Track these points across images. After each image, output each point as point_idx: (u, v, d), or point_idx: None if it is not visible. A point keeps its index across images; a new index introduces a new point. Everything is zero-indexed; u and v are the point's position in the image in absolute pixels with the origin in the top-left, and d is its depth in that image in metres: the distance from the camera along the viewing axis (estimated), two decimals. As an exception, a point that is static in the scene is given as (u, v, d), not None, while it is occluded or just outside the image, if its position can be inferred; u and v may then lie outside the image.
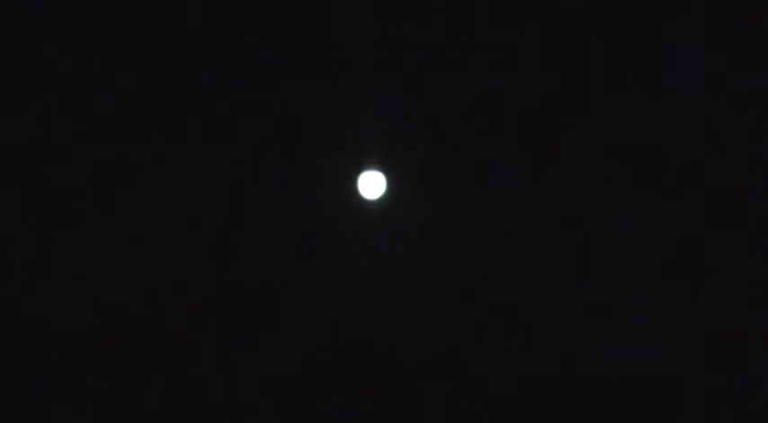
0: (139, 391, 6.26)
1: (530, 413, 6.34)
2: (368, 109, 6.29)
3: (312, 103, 6.21)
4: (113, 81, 5.97)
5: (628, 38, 5.92)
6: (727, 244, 6.12)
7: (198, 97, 6.12)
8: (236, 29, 5.98)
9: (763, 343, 6.09)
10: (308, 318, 6.53)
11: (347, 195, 6.45)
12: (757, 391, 6.06)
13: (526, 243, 6.40)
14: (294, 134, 6.29)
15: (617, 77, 5.98)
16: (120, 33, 5.85)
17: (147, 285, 6.33)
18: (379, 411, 6.49)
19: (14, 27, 5.75)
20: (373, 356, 6.55)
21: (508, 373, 6.42)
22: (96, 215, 6.21)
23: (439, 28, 6.01)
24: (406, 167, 6.47)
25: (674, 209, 6.15)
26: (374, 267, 6.57)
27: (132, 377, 6.24)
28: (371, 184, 6.52)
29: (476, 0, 5.90)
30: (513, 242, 6.43)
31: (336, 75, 6.16)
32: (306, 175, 6.39)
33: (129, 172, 6.19)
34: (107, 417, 6.21)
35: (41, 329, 6.19)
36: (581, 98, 6.06)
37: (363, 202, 6.49)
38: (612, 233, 6.23)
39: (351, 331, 6.54)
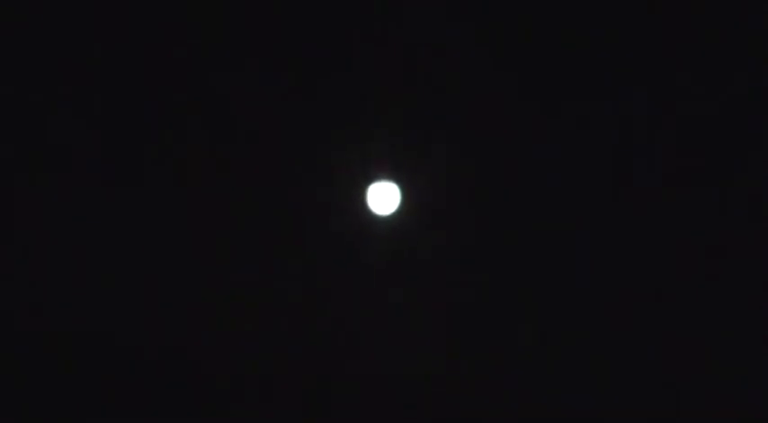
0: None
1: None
2: (377, 111, 5.68)
3: (314, 105, 5.81)
4: (111, 81, 5.78)
5: (639, 41, 5.80)
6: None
7: (195, 102, 5.89)
8: (240, 30, 5.69)
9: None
10: (311, 343, 6.28)
11: (354, 209, 5.87)
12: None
13: (552, 261, 6.11)
14: (294, 140, 5.86)
15: (632, 80, 5.83)
16: (119, 33, 5.68)
17: (149, 307, 6.20)
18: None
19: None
20: (381, 382, 6.29)
21: (522, 396, 6.29)
22: (98, 216, 6.08)
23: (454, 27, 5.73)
24: (420, 178, 5.84)
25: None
26: (385, 290, 6.09)
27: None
28: (382, 197, 5.78)
29: (493, 4, 5.67)
30: (537, 261, 6.10)
31: (341, 74, 5.73)
32: (308, 186, 5.93)
33: (130, 178, 6.01)
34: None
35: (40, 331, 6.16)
36: (603, 102, 5.89)
37: (373, 218, 5.87)
38: (637, 251, 6.13)
39: (358, 358, 6.22)
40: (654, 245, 6.09)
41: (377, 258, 5.99)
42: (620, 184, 6.02)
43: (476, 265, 6.14)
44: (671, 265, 6.08)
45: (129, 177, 5.98)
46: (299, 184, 5.92)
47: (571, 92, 5.88)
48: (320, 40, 5.76)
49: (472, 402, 6.30)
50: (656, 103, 5.86)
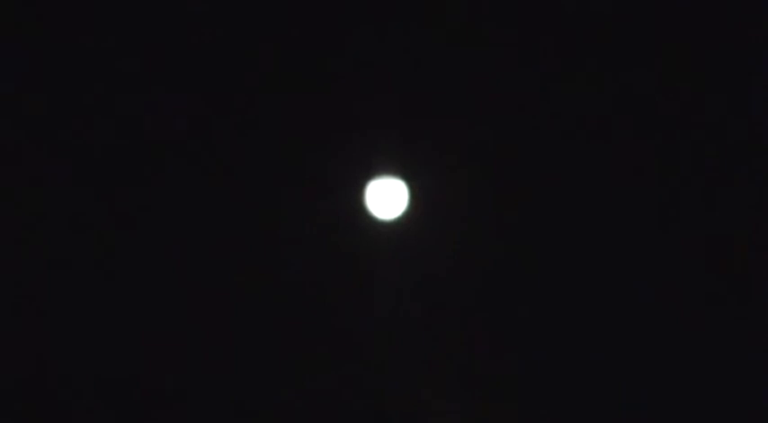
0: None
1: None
2: (380, 98, 4.96)
3: (307, 92, 5.20)
4: (109, 82, 5.41)
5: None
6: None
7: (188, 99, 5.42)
8: (235, 26, 5.25)
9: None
10: (303, 363, 5.63)
11: (352, 212, 5.19)
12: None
13: (579, 275, 5.58)
14: (284, 132, 5.23)
15: (633, 80, 5.57)
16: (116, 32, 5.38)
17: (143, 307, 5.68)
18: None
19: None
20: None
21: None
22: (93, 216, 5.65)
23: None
24: (429, 175, 5.12)
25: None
26: (386, 309, 5.39)
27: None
28: (385, 198, 5.00)
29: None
30: (563, 274, 5.55)
31: (338, 60, 5.14)
32: (299, 185, 5.26)
33: (126, 180, 5.54)
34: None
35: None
36: (606, 101, 5.57)
37: (373, 223, 5.16)
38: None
39: (354, 381, 5.52)
40: (655, 245, 5.73)
41: (378, 269, 5.31)
42: (641, 183, 5.68)
43: (495, 277, 5.50)
44: (672, 267, 5.77)
45: (124, 177, 5.54)
46: (293, 182, 5.30)
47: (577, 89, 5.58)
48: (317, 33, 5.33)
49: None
50: (657, 102, 5.66)
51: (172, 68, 5.32)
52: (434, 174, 5.34)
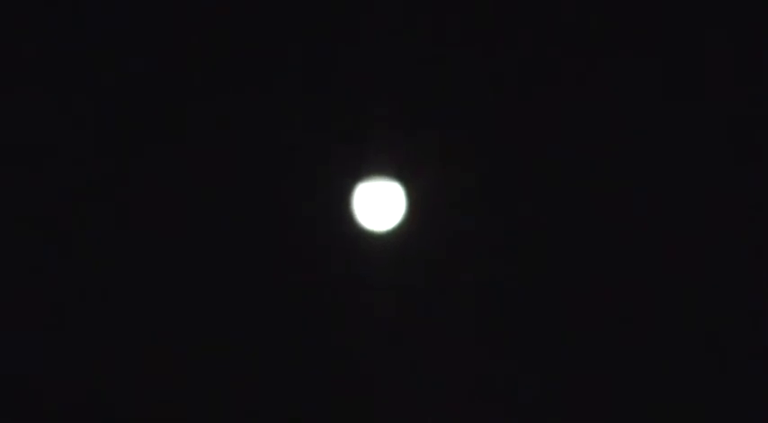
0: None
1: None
2: (374, 95, 4.55)
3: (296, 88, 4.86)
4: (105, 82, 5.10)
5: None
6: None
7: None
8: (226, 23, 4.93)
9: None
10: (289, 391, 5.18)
11: (336, 221, 4.83)
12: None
13: (585, 281, 5.28)
14: (270, 131, 4.89)
15: (634, 79, 5.32)
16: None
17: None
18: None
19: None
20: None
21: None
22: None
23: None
24: (430, 177, 4.71)
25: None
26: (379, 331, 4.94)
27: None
28: (377, 204, 4.61)
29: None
30: (571, 284, 5.24)
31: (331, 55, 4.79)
32: (276, 187, 4.85)
33: (113, 176, 5.17)
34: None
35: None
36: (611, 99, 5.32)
37: (363, 234, 4.78)
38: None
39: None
40: (655, 248, 5.45)
41: (369, 289, 4.90)
42: (641, 184, 5.43)
43: (501, 295, 5.08)
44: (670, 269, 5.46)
45: (111, 179, 5.16)
46: (276, 186, 4.92)
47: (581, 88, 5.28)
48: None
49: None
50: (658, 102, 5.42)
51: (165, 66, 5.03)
52: (436, 175, 4.90)
